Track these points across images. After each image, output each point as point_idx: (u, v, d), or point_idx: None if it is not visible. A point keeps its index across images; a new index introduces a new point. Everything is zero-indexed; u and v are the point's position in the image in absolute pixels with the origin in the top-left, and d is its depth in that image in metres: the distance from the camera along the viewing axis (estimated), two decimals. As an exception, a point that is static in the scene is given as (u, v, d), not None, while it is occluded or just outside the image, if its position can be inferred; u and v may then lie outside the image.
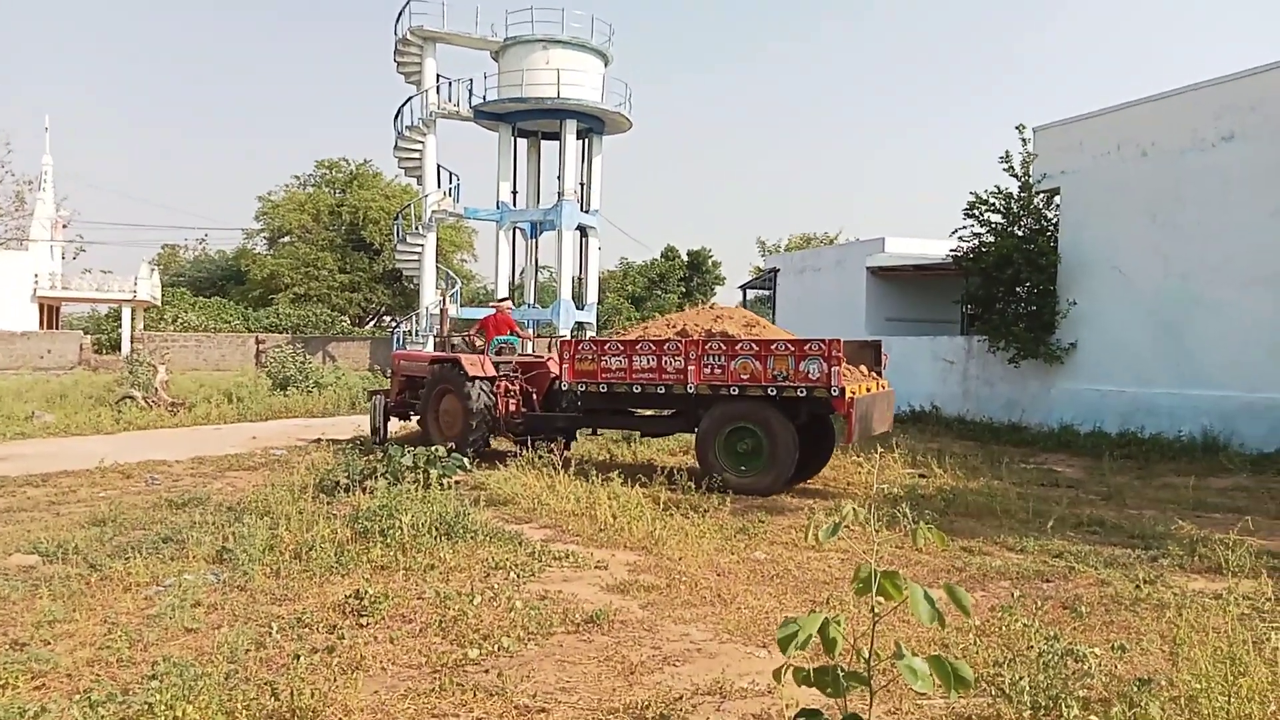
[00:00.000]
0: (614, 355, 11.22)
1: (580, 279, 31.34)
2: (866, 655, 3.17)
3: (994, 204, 18.67)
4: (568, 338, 14.30)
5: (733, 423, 10.53)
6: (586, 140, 30.61)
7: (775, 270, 28.89)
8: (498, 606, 5.77)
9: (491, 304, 15.19)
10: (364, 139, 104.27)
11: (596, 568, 6.99)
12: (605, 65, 30.21)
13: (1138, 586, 6.32)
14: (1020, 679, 4.23)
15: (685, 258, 57.12)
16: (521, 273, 33.44)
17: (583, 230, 30.71)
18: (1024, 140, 18.24)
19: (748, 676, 4.69)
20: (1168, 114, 15.45)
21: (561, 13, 29.18)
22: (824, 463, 11.75)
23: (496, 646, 5.07)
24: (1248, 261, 13.93)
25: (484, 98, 29.58)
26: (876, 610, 3.17)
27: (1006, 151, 18.27)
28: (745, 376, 10.39)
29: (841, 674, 3.17)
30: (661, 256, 56.71)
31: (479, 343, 13.93)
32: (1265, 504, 10.00)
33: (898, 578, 3.13)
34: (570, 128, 29.26)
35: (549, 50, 28.81)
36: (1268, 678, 4.10)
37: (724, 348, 10.56)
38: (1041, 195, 18.08)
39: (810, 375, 9.99)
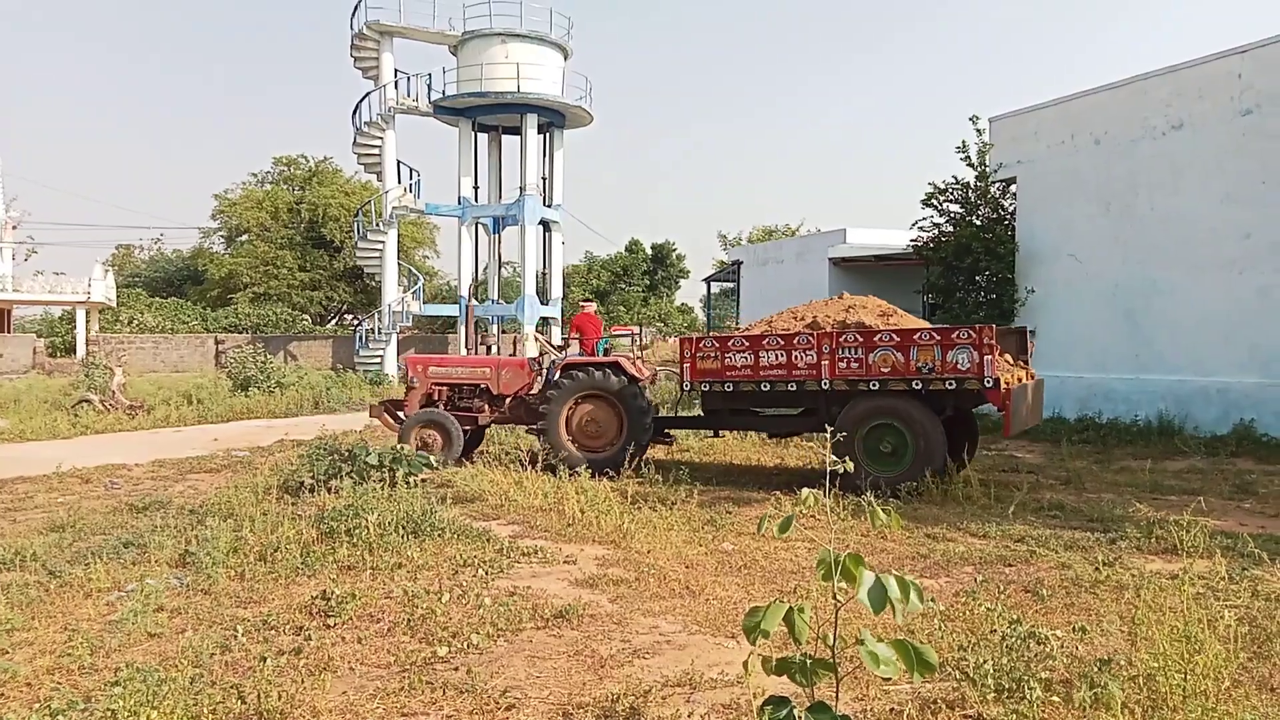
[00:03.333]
0: (739, 352, 10.55)
1: (544, 274, 31.23)
2: (832, 642, 3.22)
3: (952, 194, 18.92)
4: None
5: (874, 419, 9.91)
6: (548, 134, 30.50)
7: (738, 263, 29.02)
8: (466, 604, 5.76)
9: (581, 303, 13.95)
10: (323, 135, 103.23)
11: (565, 562, 7.00)
12: (565, 59, 30.09)
13: (1097, 569, 6.44)
14: (984, 662, 4.30)
15: (649, 251, 57.14)
16: (485, 268, 33.27)
17: (546, 225, 30.60)
18: (980, 131, 18.47)
19: (717, 667, 4.73)
20: (1119, 103, 15.72)
21: (520, 6, 29.05)
22: (970, 456, 10.99)
23: (466, 644, 5.06)
24: (1200, 248, 14.22)
25: (443, 92, 29.34)
26: (839, 597, 3.21)
27: (963, 141, 18.49)
28: (886, 369, 9.74)
29: (808, 662, 3.22)
30: (625, 250, 56.68)
31: (565, 347, 13.04)
32: (1218, 485, 10.23)
33: (860, 561, 3.18)
34: (531, 122, 29.13)
35: (508, 44, 28.64)
36: (1222, 654, 4.21)
37: (861, 339, 9.92)
38: (998, 185, 18.32)
39: (959, 366, 9.37)
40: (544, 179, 30.67)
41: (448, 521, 7.77)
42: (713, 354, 10.75)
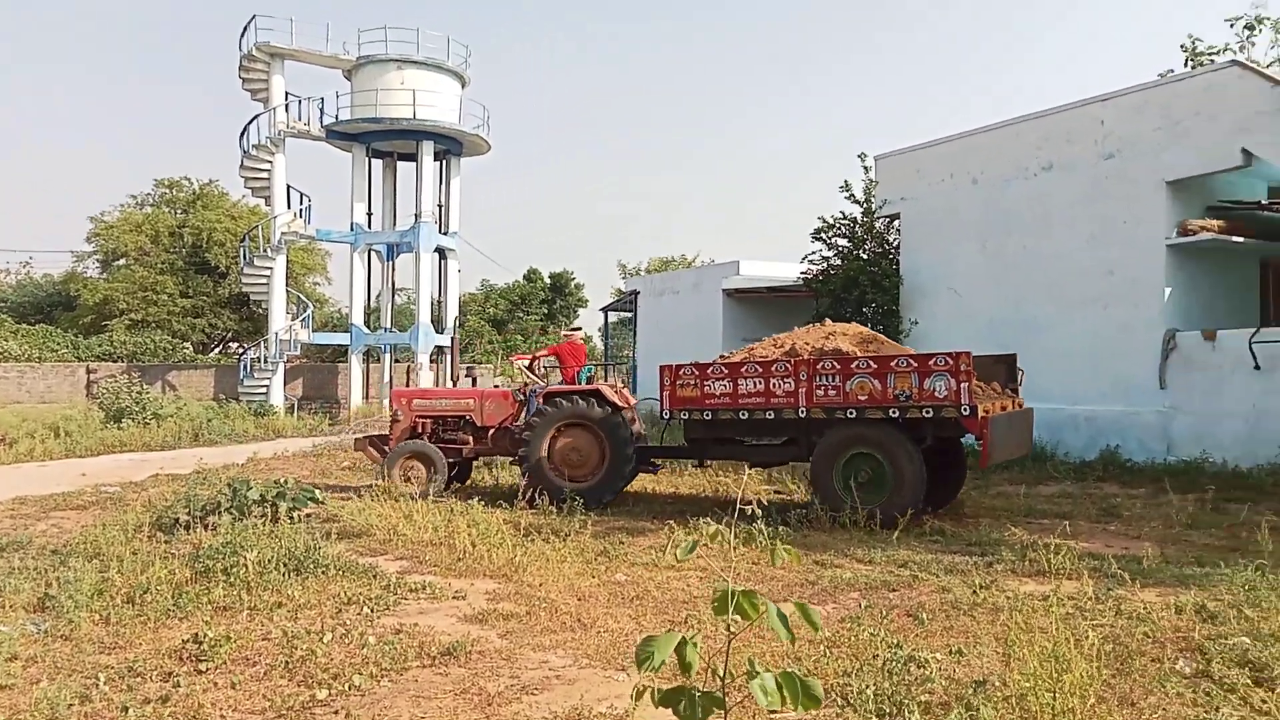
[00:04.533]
0: (718, 379, 10.39)
1: (439, 302, 30.79)
2: (722, 674, 3.23)
3: (840, 229, 19.56)
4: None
5: (851, 448, 9.80)
6: (444, 162, 30.21)
7: (636, 292, 29.24)
8: (349, 643, 5.58)
9: (564, 332, 13.60)
10: (208, 157, 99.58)
11: (454, 598, 6.86)
12: (463, 87, 29.92)
13: (975, 592, 6.67)
14: (866, 687, 4.40)
15: (547, 280, 57.02)
16: (378, 296, 32.61)
17: (441, 252, 30.21)
18: (866, 168, 19.17)
19: (606, 701, 4.69)
20: (994, 145, 16.54)
21: (416, 33, 28.76)
22: (956, 490, 10.94)
23: (347, 685, 4.89)
24: (1068, 284, 15.02)
25: (336, 117, 28.75)
26: (732, 628, 3.23)
27: (846, 181, 19.20)
28: (863, 397, 9.60)
29: (696, 695, 3.22)
30: (524, 279, 56.42)
31: (539, 374, 12.79)
32: (1086, 508, 10.75)
33: (755, 597, 3.21)
34: (427, 149, 28.80)
35: (404, 70, 28.32)
36: (1087, 672, 4.40)
37: (838, 366, 9.75)
38: (884, 220, 19.01)
39: (937, 393, 9.21)
40: (440, 206, 30.32)
41: (332, 558, 7.54)
42: (692, 381, 10.57)
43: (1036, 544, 7.72)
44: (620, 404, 11.48)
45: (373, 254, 31.03)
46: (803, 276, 20.33)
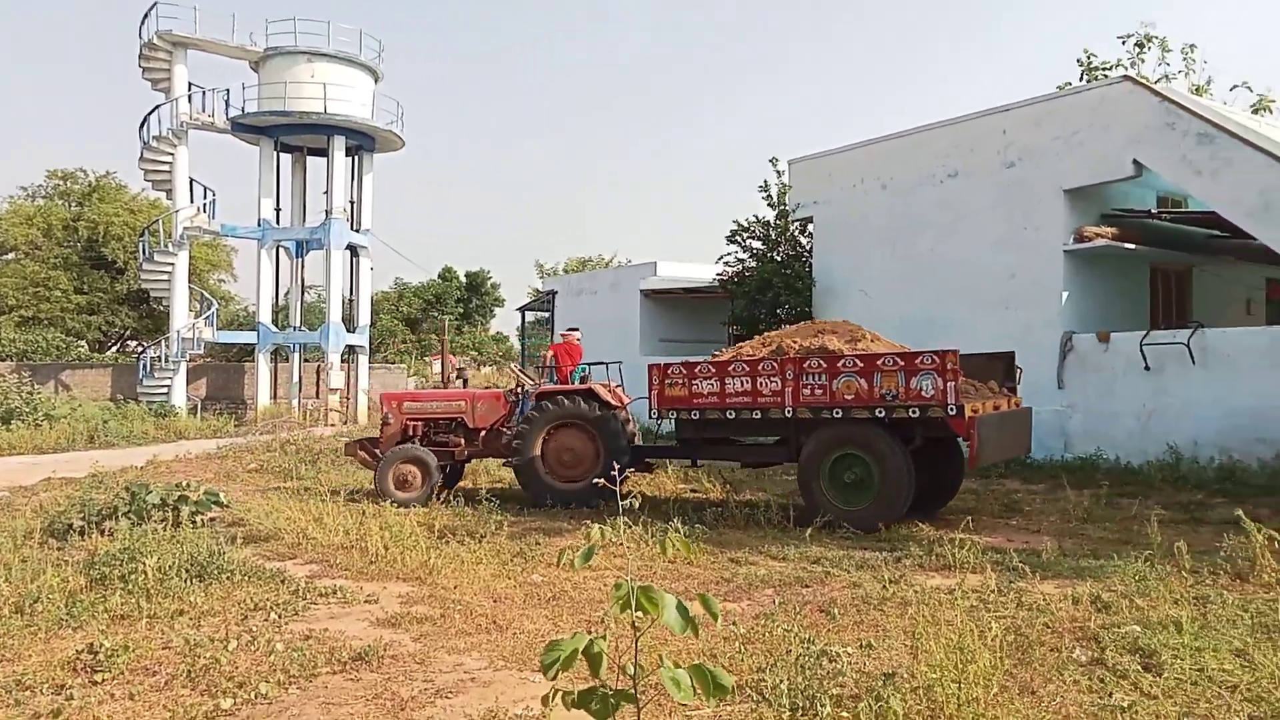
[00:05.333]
0: (706, 378, 10.21)
1: (351, 300, 30.15)
2: (632, 672, 3.24)
3: (755, 231, 19.86)
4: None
5: (837, 449, 9.60)
6: (356, 157, 29.59)
7: (553, 292, 29.13)
8: (255, 650, 5.41)
9: (561, 333, 13.31)
10: (105, 149, 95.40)
11: (366, 602, 6.72)
12: (375, 81, 29.34)
13: (884, 586, 6.84)
14: (780, 682, 4.46)
15: (463, 279, 56.38)
16: (287, 294, 31.75)
17: (353, 250, 29.58)
18: (780, 172, 19.51)
19: (522, 703, 4.66)
20: (903, 152, 16.99)
21: (327, 25, 28.10)
22: (952, 493, 10.70)
23: (253, 694, 4.75)
24: (973, 287, 15.52)
25: (243, 109, 27.89)
26: (639, 625, 3.24)
27: (765, 181, 19.48)
28: (850, 396, 9.38)
29: (608, 693, 3.22)
30: (439, 278, 55.67)
31: (528, 374, 12.51)
32: (989, 504, 11.11)
33: (653, 591, 3.22)
34: (338, 144, 28.17)
35: (314, 63, 27.65)
36: (991, 662, 4.55)
37: (824, 365, 9.53)
38: (797, 223, 19.36)
39: (924, 393, 8.97)
40: (352, 203, 29.69)
41: (237, 563, 7.31)
42: (680, 381, 10.42)
43: (942, 539, 7.94)
44: (614, 403, 11.36)
45: (281, 251, 30.19)
46: (718, 278, 20.56)
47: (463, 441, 12.34)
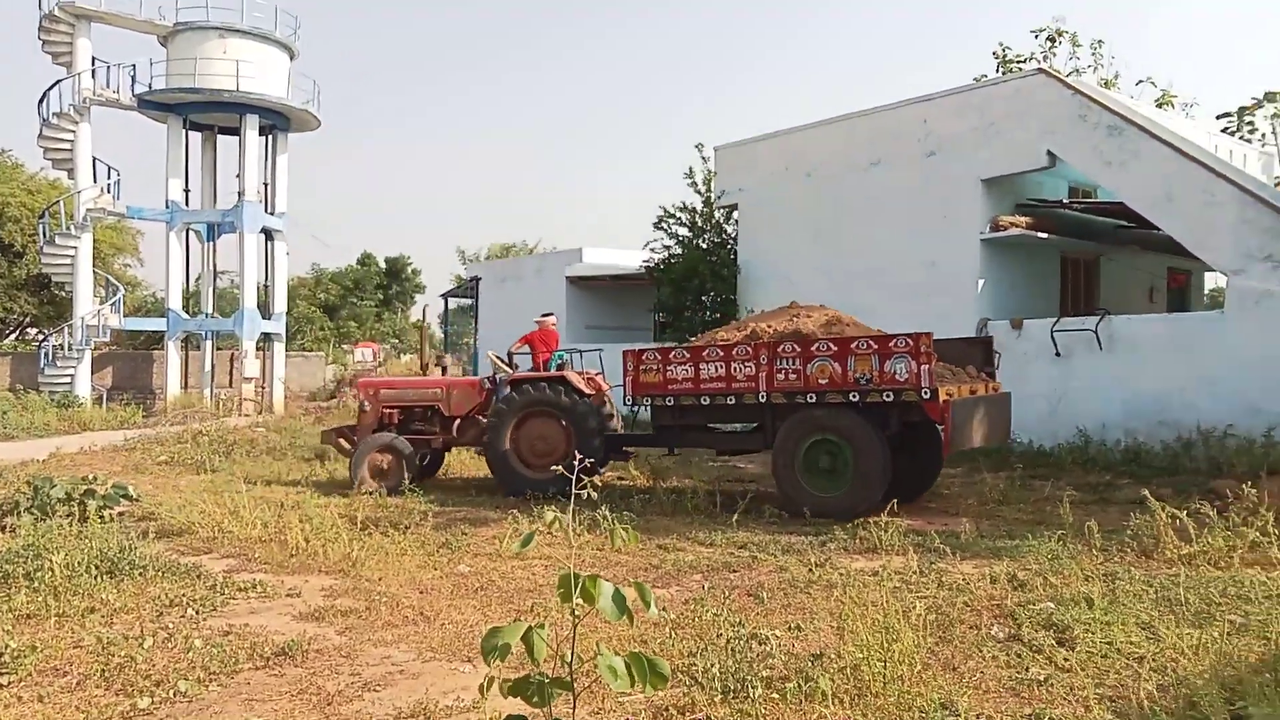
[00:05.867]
0: (680, 364, 10.02)
1: (266, 286, 29.27)
2: (569, 660, 3.22)
3: (680, 218, 19.92)
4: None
5: (812, 435, 9.42)
6: (270, 137, 28.68)
7: (477, 279, 28.83)
8: (173, 648, 5.23)
9: (537, 319, 12.95)
10: (0, 125, 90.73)
11: (288, 596, 6.56)
12: (291, 59, 28.46)
13: (810, 570, 6.95)
14: (711, 665, 4.50)
15: (383, 265, 55.35)
16: (198, 279, 30.67)
17: (268, 233, 28.70)
18: (705, 159, 19.59)
19: (452, 694, 4.60)
20: (827, 140, 17.23)
21: (241, 0, 27.19)
22: (931, 480, 10.55)
23: (172, 692, 4.59)
24: (895, 274, 15.84)
25: (150, 86, 26.75)
26: (577, 614, 3.22)
27: (690, 168, 19.53)
28: (823, 381, 9.20)
29: (545, 681, 3.20)
30: (358, 263, 54.54)
31: (511, 362, 12.19)
32: (910, 487, 11.36)
33: (597, 580, 3.21)
34: (252, 123, 27.24)
35: (226, 39, 26.69)
36: (914, 641, 4.66)
37: (798, 349, 9.36)
38: (722, 210, 19.48)
39: (897, 376, 8.81)
40: (266, 185, 28.80)
41: (150, 558, 7.05)
42: (655, 367, 10.22)
43: (866, 523, 8.10)
44: (588, 391, 11.19)
45: (191, 234, 29.14)
46: (645, 265, 20.58)
47: (439, 429, 12.23)
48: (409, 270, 56.02)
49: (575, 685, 3.23)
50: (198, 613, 5.99)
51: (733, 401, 9.86)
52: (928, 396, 8.75)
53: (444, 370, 13.19)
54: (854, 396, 9.14)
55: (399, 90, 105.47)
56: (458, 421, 12.15)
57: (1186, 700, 3.92)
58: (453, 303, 33.87)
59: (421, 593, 6.61)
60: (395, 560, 7.42)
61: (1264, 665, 4.17)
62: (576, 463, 3.52)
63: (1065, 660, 4.76)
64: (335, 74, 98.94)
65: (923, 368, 8.73)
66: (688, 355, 10.11)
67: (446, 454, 13.21)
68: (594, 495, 3.44)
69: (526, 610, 6.01)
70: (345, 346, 46.42)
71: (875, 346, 9.03)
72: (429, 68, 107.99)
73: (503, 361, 12.16)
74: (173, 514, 9.18)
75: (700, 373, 9.95)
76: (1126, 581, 6.25)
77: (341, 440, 12.42)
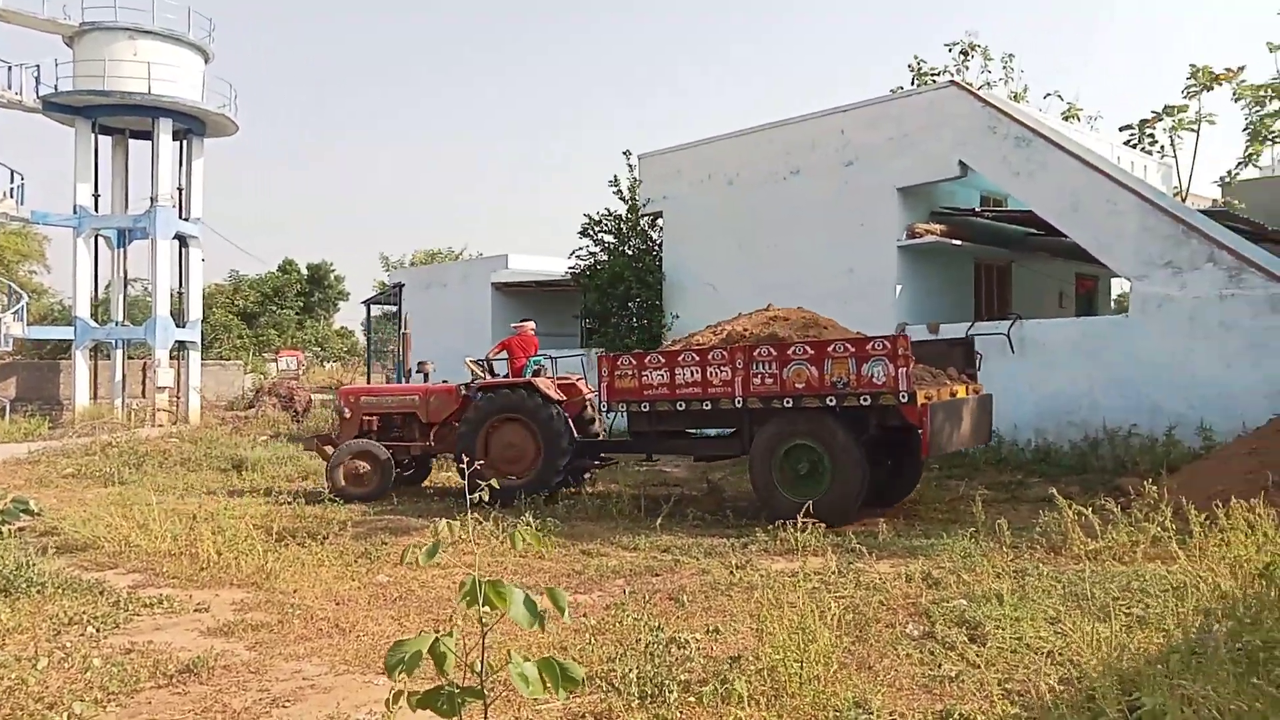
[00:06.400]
0: (655, 369, 9.84)
1: (181, 293, 28.38)
2: (479, 669, 3.17)
3: (606, 225, 19.93)
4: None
5: (789, 440, 9.21)
6: (185, 141, 27.83)
7: (400, 285, 28.40)
8: (69, 668, 5.01)
9: (513, 325, 12.75)
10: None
11: (196, 611, 6.35)
12: (206, 62, 27.69)
13: (731, 572, 6.99)
14: (630, 671, 4.48)
15: (305, 271, 54.15)
16: (108, 286, 29.60)
17: (182, 239, 27.82)
18: (631, 166, 19.65)
19: (365, 707, 4.50)
20: (748, 149, 17.43)
21: (152, 1, 26.35)
22: (911, 485, 10.35)
23: (66, 714, 4.39)
24: (815, 282, 16.04)
25: (55, 88, 25.77)
26: (486, 621, 3.18)
27: (615, 176, 19.57)
28: (800, 385, 9.01)
29: (454, 691, 3.14)
30: (278, 270, 53.24)
31: (488, 369, 12.03)
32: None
33: (501, 586, 3.17)
34: (165, 127, 26.40)
35: (137, 40, 25.84)
36: (831, 641, 4.71)
37: (774, 353, 9.18)
38: (647, 218, 19.56)
39: (875, 380, 8.63)
40: (180, 190, 27.94)
41: (49, 575, 6.76)
42: (630, 372, 10.03)
43: (786, 524, 8.18)
44: (557, 397, 11.02)
45: (100, 240, 28.08)
46: (570, 272, 20.55)
47: (418, 436, 12.13)
48: (332, 277, 54.92)
49: (487, 694, 3.19)
50: (98, 631, 5.76)
51: (709, 407, 9.69)
52: (906, 400, 8.59)
53: (426, 377, 13.03)
54: (831, 401, 8.97)
55: (323, 96, 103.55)
56: (436, 428, 12.03)
57: (1086, 693, 4.03)
58: (376, 309, 33.28)
59: (338, 604, 6.47)
60: (311, 571, 7.25)
61: (1160, 657, 4.32)
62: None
63: (977, 657, 4.86)
64: (263, 79, 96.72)
65: (900, 370, 8.57)
66: (663, 360, 9.97)
67: (432, 461, 13.06)
68: (482, 499, 3.42)
69: (445, 619, 5.91)
70: (266, 355, 45.29)
71: (852, 349, 8.87)
72: (353, 71, 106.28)
73: (481, 368, 12.09)
74: (76, 528, 8.83)
75: (676, 377, 9.79)
76: (1036, 578, 6.42)
77: (328, 449, 12.29)
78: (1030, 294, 17.74)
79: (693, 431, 10.97)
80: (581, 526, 9.29)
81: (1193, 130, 23.35)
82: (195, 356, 28.03)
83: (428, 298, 27.04)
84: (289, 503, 10.40)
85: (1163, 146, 23.69)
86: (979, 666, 4.71)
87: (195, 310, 28.38)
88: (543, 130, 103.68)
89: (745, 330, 10.08)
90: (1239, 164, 23.53)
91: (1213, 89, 22.86)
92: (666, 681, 4.36)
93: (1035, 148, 13.92)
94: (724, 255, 17.60)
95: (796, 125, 16.73)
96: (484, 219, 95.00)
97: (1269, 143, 22.74)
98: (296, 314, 51.66)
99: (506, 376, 12.04)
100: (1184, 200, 19.81)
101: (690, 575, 7.10)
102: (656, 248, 19.41)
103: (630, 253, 19.56)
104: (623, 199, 19.76)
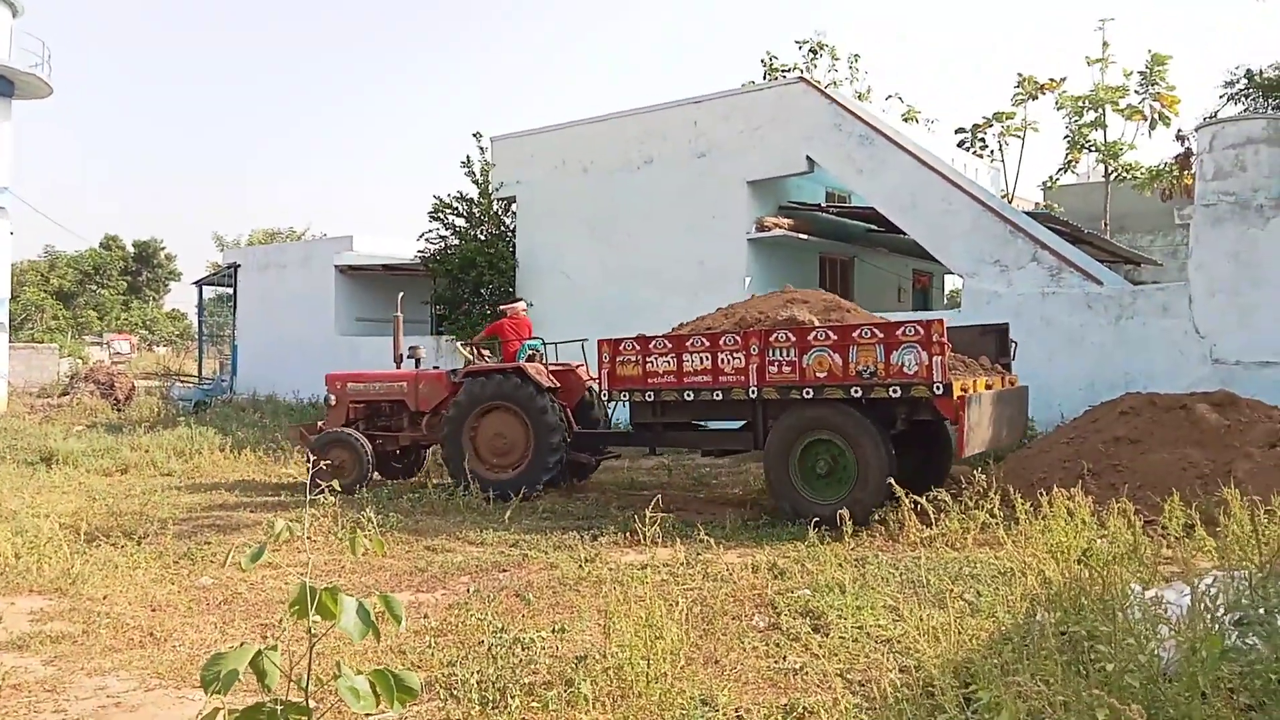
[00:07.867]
0: (661, 355, 9.08)
1: (-15, 269, 25.94)
2: (305, 684, 2.93)
3: (457, 208, 19.40)
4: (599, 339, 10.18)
5: (808, 434, 8.43)
6: (-10, 103, 25.43)
7: (235, 266, 26.85)
8: None
9: (503, 306, 11.63)
10: None
11: (-13, 623, 5.71)
12: (15, 16, 25.35)
13: (580, 566, 6.87)
14: (470, 675, 4.29)
15: (130, 249, 50.66)
16: (-103, 260, 26.74)
17: (-13, 211, 25.45)
18: (483, 149, 19.19)
19: (178, 726, 4.13)
20: (602, 136, 17.33)
21: (-50, -55, 23.87)
22: (939, 482, 8.93)
23: None
24: (667, 272, 16.17)
25: None
26: (314, 631, 2.93)
27: (468, 157, 19.07)
28: (822, 374, 8.24)
29: (276, 708, 2.89)
30: (100, 246, 49.56)
31: (484, 352, 11.16)
32: (680, 479, 11.63)
33: (336, 593, 2.93)
34: (-35, 86, 24.07)
35: (-69, -12, 23.45)
36: (678, 636, 4.66)
37: (793, 339, 8.38)
38: (500, 202, 19.17)
39: (906, 369, 7.87)
40: (-16, 156, 25.48)
41: None
42: (633, 358, 9.28)
43: (637, 515, 8.14)
44: (549, 384, 10.26)
45: (-111, 208, 25.31)
46: (420, 255, 19.92)
47: (407, 424, 11.39)
48: (162, 255, 51.65)
49: (314, 710, 2.94)
50: None
51: (719, 397, 8.93)
52: (940, 392, 7.80)
53: (417, 362, 12.03)
54: (856, 392, 8.20)
55: (152, 60, 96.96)
56: (425, 417, 11.27)
57: (924, 684, 4.12)
58: (209, 291, 31.39)
59: (154, 610, 5.97)
60: (125, 575, 6.69)
61: (993, 648, 4.47)
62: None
63: (820, 647, 4.92)
64: (85, 40, 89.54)
65: (935, 359, 7.81)
66: (670, 345, 9.23)
67: (425, 452, 12.17)
68: (332, 496, 3.15)
69: (273, 625, 5.54)
70: (87, 337, 42.08)
71: (880, 335, 8.10)
72: (187, 36, 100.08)
73: (472, 352, 11.37)
74: None
75: (684, 365, 9.06)
76: (875, 566, 6.61)
77: (313, 437, 11.42)
78: (871, 288, 18.43)
79: (699, 423, 10.10)
80: (427, 521, 8.98)
81: (1019, 136, 24.89)
82: (2, 338, 25.71)
83: (265, 280, 25.67)
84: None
85: (992, 150, 25.13)
86: (822, 658, 4.76)
87: (2, 288, 26.00)
88: (396, 106, 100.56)
89: (760, 314, 9.31)
90: (1059, 170, 25.24)
91: (1038, 98, 24.41)
92: (510, 685, 4.21)
93: (877, 146, 14.41)
94: (579, 242, 17.45)
95: (650, 114, 16.75)
96: (329, 198, 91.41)
97: (1086, 150, 24.44)
98: (121, 295, 48.32)
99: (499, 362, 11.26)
100: (1010, 202, 21.03)
101: (538, 570, 6.94)
102: (510, 233, 19.05)
103: (483, 237, 19.12)
104: (475, 182, 19.28)
